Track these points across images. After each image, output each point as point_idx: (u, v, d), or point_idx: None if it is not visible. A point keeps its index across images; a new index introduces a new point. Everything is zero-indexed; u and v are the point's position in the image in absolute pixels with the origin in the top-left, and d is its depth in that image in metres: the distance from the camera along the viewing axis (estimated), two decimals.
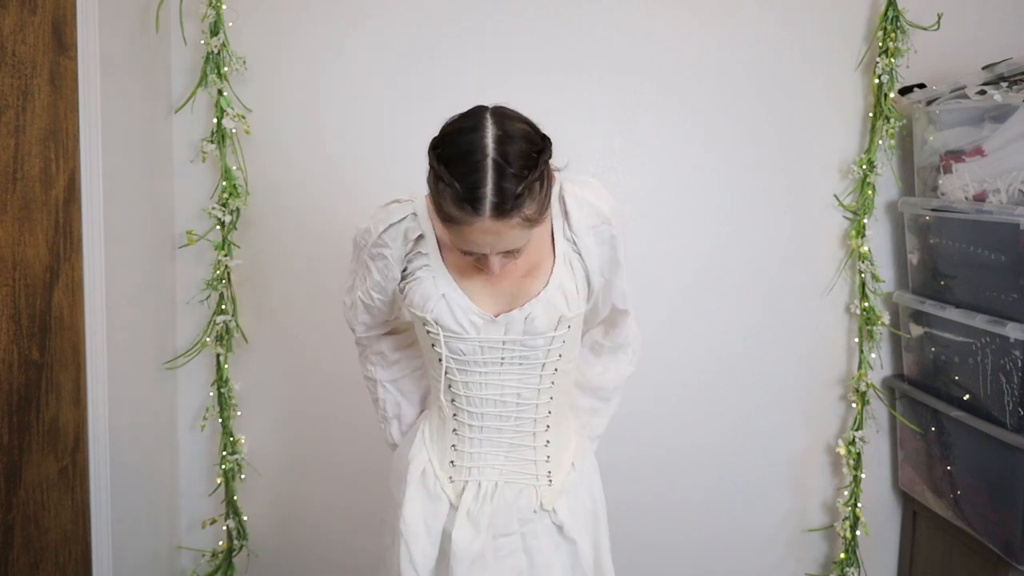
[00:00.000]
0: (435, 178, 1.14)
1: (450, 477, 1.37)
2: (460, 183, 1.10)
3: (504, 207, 1.10)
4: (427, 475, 1.38)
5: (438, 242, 1.31)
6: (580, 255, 1.32)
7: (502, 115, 1.16)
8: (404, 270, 1.34)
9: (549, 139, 1.19)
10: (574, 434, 1.45)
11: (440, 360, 1.33)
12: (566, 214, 1.31)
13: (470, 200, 1.10)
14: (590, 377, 1.53)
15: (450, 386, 1.35)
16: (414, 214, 1.31)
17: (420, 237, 1.31)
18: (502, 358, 1.31)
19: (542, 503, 1.37)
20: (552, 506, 1.37)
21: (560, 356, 1.33)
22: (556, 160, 1.22)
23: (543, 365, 1.33)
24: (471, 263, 1.26)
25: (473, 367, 1.32)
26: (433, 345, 1.32)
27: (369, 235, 1.32)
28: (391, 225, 1.31)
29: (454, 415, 1.37)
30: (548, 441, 1.38)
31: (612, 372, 1.54)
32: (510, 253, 1.20)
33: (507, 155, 1.11)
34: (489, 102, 1.21)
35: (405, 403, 1.52)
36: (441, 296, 1.29)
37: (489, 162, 1.10)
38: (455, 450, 1.37)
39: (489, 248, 1.16)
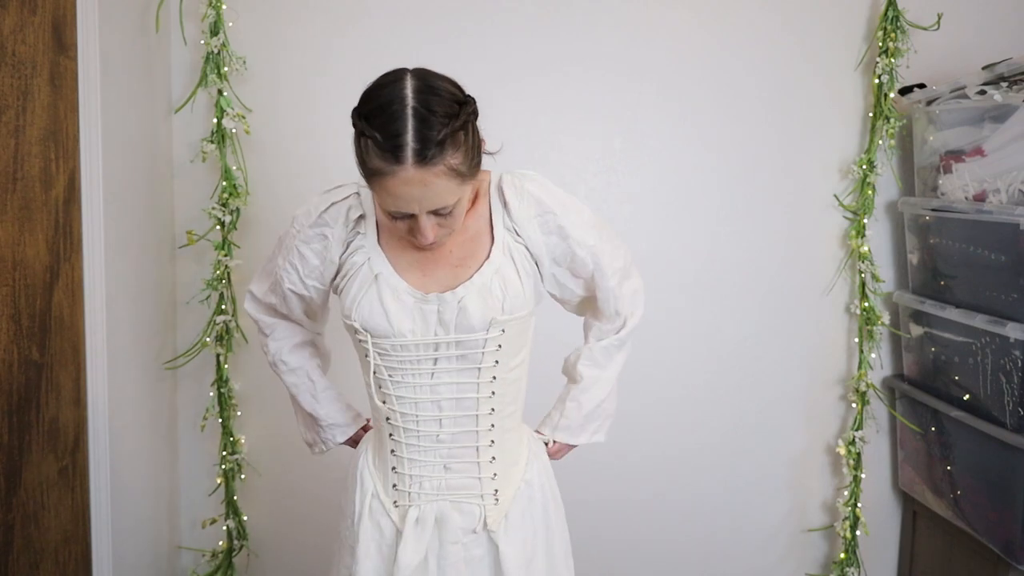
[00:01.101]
0: (357, 136, 1.13)
1: (395, 502, 1.32)
2: (380, 132, 1.09)
3: (426, 154, 1.08)
4: (373, 505, 1.34)
5: (377, 225, 1.30)
6: (527, 247, 1.30)
7: (423, 71, 1.16)
8: (343, 254, 1.31)
9: (473, 99, 1.17)
10: (525, 448, 1.39)
11: (374, 372, 1.28)
12: (505, 204, 1.30)
13: (392, 148, 1.08)
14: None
15: (384, 401, 1.29)
16: (357, 194, 1.31)
17: (361, 217, 1.30)
18: (435, 358, 1.26)
19: (485, 522, 1.30)
20: (495, 527, 1.31)
21: (496, 362, 1.27)
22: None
23: (479, 371, 1.27)
24: (405, 235, 1.21)
25: (407, 367, 1.26)
26: (366, 356, 1.28)
27: (309, 216, 1.30)
28: (334, 204, 1.30)
29: (391, 435, 1.31)
30: (494, 457, 1.31)
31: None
32: (442, 216, 1.16)
33: (428, 104, 1.10)
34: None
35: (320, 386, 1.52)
36: (374, 279, 1.26)
37: (409, 111, 1.09)
38: (396, 472, 1.32)
39: (417, 204, 1.13)
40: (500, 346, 1.27)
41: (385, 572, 1.32)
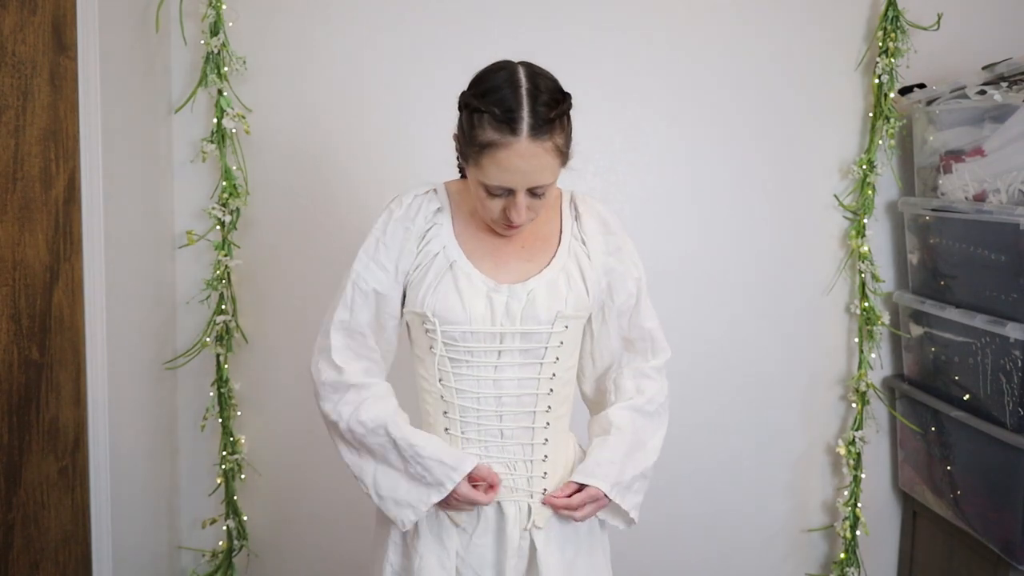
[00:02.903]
0: (470, 112, 1.20)
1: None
2: (498, 107, 1.17)
3: (540, 128, 1.17)
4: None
5: (452, 219, 1.35)
6: (589, 256, 1.37)
7: (529, 63, 1.25)
8: (420, 244, 1.33)
9: (570, 95, 1.25)
10: (572, 453, 1.41)
11: (437, 365, 1.32)
12: (577, 215, 1.39)
13: (508, 120, 1.16)
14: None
15: (442, 396, 1.33)
16: (435, 190, 1.38)
17: (439, 210, 1.36)
18: (500, 350, 1.30)
19: (534, 521, 1.32)
20: (542, 523, 1.33)
21: (557, 359, 1.33)
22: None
23: (541, 366, 1.32)
24: (496, 215, 1.25)
25: (471, 359, 1.30)
26: (431, 347, 1.32)
27: (395, 211, 1.35)
28: (416, 196, 1.36)
29: (447, 429, 1.34)
30: (546, 456, 1.35)
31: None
32: (535, 198, 1.23)
33: (539, 86, 1.19)
34: None
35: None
36: (449, 267, 1.31)
37: (523, 91, 1.18)
38: None
39: (521, 177, 1.19)
40: (562, 343, 1.32)
41: (450, 565, 1.33)
